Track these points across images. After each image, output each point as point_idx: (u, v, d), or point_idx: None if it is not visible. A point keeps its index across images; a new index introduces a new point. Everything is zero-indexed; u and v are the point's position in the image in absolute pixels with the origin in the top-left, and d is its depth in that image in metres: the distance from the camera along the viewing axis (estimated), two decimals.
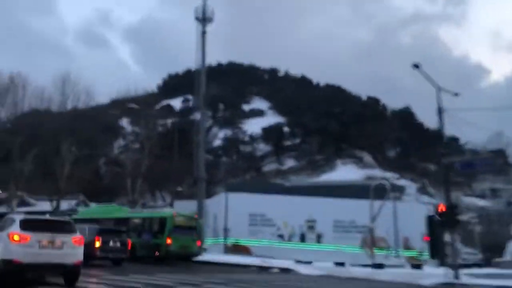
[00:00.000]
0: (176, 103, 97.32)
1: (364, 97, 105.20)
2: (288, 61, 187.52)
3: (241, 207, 33.81)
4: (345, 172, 70.86)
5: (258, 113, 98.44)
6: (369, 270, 23.51)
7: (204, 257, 25.54)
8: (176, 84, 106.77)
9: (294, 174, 75.61)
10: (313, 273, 21.85)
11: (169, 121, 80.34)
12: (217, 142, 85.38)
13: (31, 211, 36.45)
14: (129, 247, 19.76)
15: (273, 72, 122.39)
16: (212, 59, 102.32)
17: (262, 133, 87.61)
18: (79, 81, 46.07)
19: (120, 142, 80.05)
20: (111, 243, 18.68)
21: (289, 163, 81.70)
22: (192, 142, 35.80)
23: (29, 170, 40.87)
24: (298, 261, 25.97)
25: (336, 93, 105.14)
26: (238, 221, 33.91)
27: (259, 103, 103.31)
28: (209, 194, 37.66)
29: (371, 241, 28.26)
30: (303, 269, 22.78)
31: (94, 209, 34.73)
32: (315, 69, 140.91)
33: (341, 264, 26.24)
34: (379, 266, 24.90)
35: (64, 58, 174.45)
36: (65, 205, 42.15)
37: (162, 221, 23.14)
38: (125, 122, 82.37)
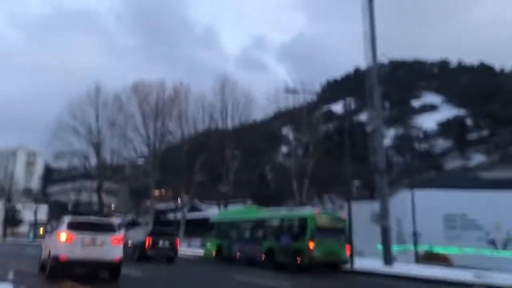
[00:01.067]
0: (337, 107, 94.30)
1: None
2: (457, 51, 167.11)
3: (432, 206, 26.80)
4: None
5: (431, 108, 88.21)
6: None
7: (395, 268, 19.75)
8: (335, 89, 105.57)
9: (485, 169, 63.07)
10: None
11: (331, 125, 76.88)
12: (387, 142, 77.79)
13: (197, 217, 35.79)
14: (177, 247, 22.24)
15: (443, 64, 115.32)
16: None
17: (438, 128, 76.97)
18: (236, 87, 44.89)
19: (284, 149, 79.52)
20: (160, 243, 21.44)
21: (477, 158, 69.22)
22: (356, 144, 31.28)
23: (199, 177, 41.32)
24: None
25: None
26: (430, 223, 26.93)
27: (430, 98, 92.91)
28: None
29: None
30: None
31: (232, 211, 33.19)
32: (492, 55, 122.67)
33: None
34: None
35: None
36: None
37: (302, 222, 19.08)
38: (287, 131, 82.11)
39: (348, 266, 19.61)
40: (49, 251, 11.74)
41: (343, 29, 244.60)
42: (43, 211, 71.40)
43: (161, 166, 42.93)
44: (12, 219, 60.57)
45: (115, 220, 53.30)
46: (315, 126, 52.25)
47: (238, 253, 22.31)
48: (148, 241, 21.31)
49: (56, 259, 11.15)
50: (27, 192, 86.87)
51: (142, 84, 42.32)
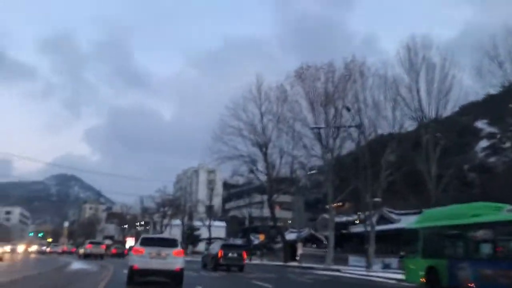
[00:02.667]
0: None
1: None
2: None
3: None
4: None
5: None
6: None
7: None
8: None
9: None
10: None
11: None
12: None
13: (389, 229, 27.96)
14: (244, 257, 26.90)
15: None
16: None
17: None
18: None
19: (483, 144, 64.92)
20: (229, 254, 26.43)
21: None
22: None
23: (387, 180, 32.83)
24: None
25: None
26: None
27: None
28: None
29: None
30: None
31: (447, 211, 19.80)
32: None
33: None
34: None
35: None
36: None
37: None
38: (482, 124, 67.42)
39: None
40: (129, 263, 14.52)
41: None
42: (221, 228, 71.19)
43: (339, 167, 35.77)
44: (191, 237, 61.09)
45: (290, 235, 48.40)
46: None
47: (477, 281, 13.39)
48: (220, 253, 26.29)
49: (131, 268, 13.79)
50: (209, 209, 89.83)
51: (307, 68, 35.73)
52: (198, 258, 50.27)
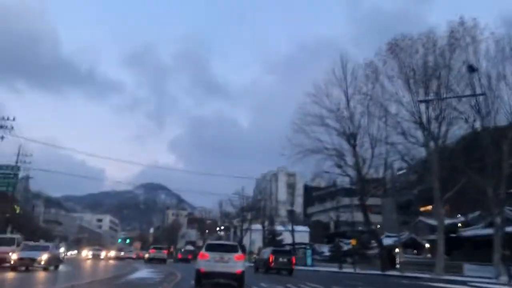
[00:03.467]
0: None
1: None
2: None
3: None
4: None
5: None
6: None
7: None
8: None
9: None
10: None
11: None
12: None
13: None
14: (293, 262, 29.91)
15: None
16: None
17: None
18: None
19: None
20: (280, 259, 29.38)
21: None
22: None
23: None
24: None
25: None
26: None
27: None
28: None
29: None
30: None
31: None
32: None
33: None
34: None
35: None
36: None
37: None
38: None
39: None
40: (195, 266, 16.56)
41: None
42: (304, 233, 66.40)
43: (447, 158, 29.50)
44: (273, 242, 56.96)
45: (386, 240, 42.34)
46: None
47: None
48: (271, 258, 29.25)
49: (198, 271, 15.57)
50: (290, 214, 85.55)
51: (402, 39, 29.62)
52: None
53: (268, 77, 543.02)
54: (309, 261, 43.76)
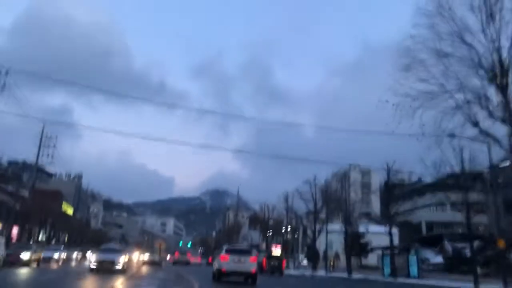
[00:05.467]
0: None
1: None
2: None
3: None
4: None
5: None
6: None
7: None
8: None
9: None
10: None
11: None
12: None
13: None
14: (283, 265, 36.02)
15: None
16: None
17: None
18: None
19: None
20: (272, 263, 35.28)
21: None
22: None
23: None
24: None
25: None
26: None
27: None
28: None
29: None
30: None
31: None
32: None
33: None
34: None
35: None
36: None
37: None
38: None
39: None
40: (216, 266, 20.52)
41: None
42: (386, 235, 53.43)
43: None
44: (356, 246, 44.44)
45: None
46: None
47: None
48: (264, 261, 35.33)
49: (219, 270, 19.54)
50: (366, 214, 73.37)
51: None
52: (370, 275, 33.98)
53: (332, 81, 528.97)
54: (414, 270, 30.74)
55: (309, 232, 47.10)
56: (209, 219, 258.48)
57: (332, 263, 42.40)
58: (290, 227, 55.01)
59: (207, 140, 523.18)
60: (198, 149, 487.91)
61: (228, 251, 19.61)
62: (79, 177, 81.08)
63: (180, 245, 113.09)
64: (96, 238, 73.36)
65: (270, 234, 58.89)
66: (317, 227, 43.85)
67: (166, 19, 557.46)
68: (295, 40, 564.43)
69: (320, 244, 46.37)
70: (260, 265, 30.97)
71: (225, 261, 19.10)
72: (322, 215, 45.49)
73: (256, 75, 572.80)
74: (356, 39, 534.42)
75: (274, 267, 34.35)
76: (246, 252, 19.79)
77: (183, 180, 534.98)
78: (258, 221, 71.25)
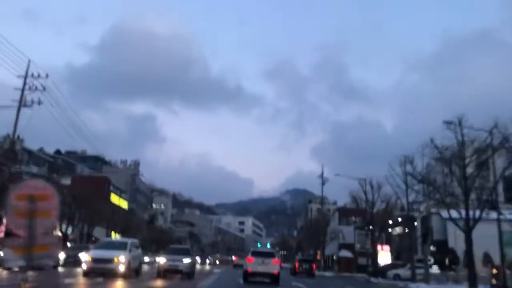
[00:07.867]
0: None
1: None
2: None
3: None
4: None
5: None
6: None
7: None
8: None
9: None
10: None
11: None
12: None
13: None
14: (314, 268, 40.40)
15: None
16: None
17: None
18: None
19: None
20: (303, 266, 39.91)
21: None
22: None
23: None
24: None
25: None
26: None
27: None
28: None
29: None
30: None
31: None
32: None
33: None
34: None
35: None
36: None
37: None
38: None
39: None
40: (244, 267, 23.40)
41: None
42: None
43: None
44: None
45: None
46: None
47: None
48: (297, 264, 40.79)
49: (246, 271, 22.17)
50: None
51: None
52: None
53: (411, 76, 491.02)
54: None
55: (435, 224, 30.73)
56: (290, 219, 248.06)
57: (496, 274, 26.28)
58: (401, 218, 39.13)
59: (284, 140, 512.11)
60: (275, 150, 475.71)
61: (253, 254, 22.64)
62: (136, 164, 71.30)
63: (259, 247, 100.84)
64: (157, 238, 63.30)
65: (370, 229, 42.72)
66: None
67: (239, 27, 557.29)
68: (369, 38, 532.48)
69: (457, 241, 30.23)
70: (294, 268, 40.65)
71: (250, 262, 21.80)
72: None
73: (330, 74, 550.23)
74: (434, 32, 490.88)
75: (305, 270, 39.05)
76: (269, 255, 22.78)
77: (262, 181, 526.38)
78: (350, 212, 56.05)
